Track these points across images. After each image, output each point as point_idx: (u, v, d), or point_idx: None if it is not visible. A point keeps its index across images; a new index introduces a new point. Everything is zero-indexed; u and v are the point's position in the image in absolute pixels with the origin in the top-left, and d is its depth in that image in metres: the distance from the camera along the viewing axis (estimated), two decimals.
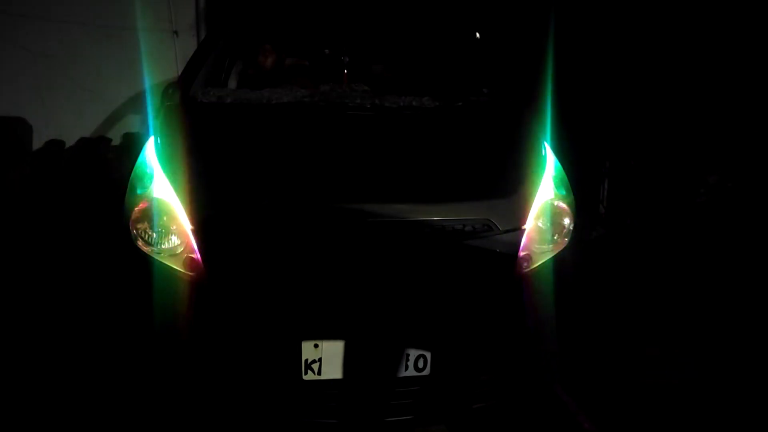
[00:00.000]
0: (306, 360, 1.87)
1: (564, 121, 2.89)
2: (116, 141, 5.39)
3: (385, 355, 1.91)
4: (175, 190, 1.99)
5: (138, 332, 1.98)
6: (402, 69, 3.33)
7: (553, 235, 2.09)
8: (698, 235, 3.64)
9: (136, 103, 5.23)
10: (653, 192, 4.02)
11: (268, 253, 1.89)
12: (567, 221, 2.13)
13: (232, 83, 3.59)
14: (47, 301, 3.21)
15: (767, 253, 3.25)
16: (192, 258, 1.89)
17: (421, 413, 1.99)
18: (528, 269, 2.02)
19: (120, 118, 5.38)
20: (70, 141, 5.31)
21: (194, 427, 2.03)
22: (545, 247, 2.07)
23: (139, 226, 1.96)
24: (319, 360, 1.87)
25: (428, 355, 1.91)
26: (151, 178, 2.08)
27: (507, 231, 1.99)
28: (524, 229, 2.02)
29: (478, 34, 3.40)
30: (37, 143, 5.22)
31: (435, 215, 1.96)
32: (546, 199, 2.12)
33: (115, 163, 4.98)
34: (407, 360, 1.90)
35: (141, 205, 2.00)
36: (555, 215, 2.11)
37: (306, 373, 1.87)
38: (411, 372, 1.91)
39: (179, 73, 3.07)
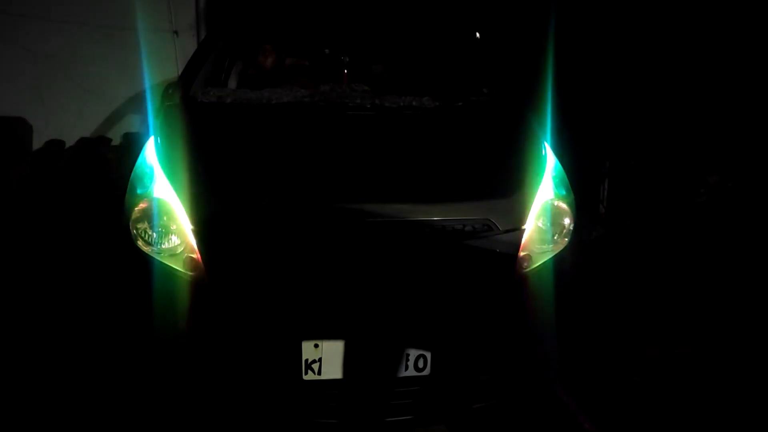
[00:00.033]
0: (306, 360, 1.87)
1: (564, 121, 2.89)
2: (116, 141, 5.39)
3: (385, 355, 1.91)
4: (175, 190, 1.99)
5: (138, 332, 1.98)
6: (402, 69, 3.33)
7: (553, 235, 2.09)
8: (698, 235, 3.64)
9: (136, 103, 5.24)
10: (653, 192, 4.02)
11: (268, 253, 1.89)
12: (567, 221, 2.13)
13: (232, 83, 3.59)
14: (47, 300, 3.21)
15: (767, 253, 3.26)
16: (192, 258, 1.89)
17: (421, 413, 1.99)
18: (528, 269, 2.02)
19: (120, 118, 5.38)
20: (70, 141, 5.31)
21: (194, 427, 2.03)
22: (545, 247, 2.07)
23: (139, 226, 1.97)
24: (319, 360, 1.87)
25: (428, 355, 1.91)
26: (151, 178, 2.08)
27: (507, 231, 1.99)
28: (524, 229, 2.02)
29: (478, 34, 3.40)
30: (37, 143, 5.22)
31: (435, 215, 1.96)
32: (546, 199, 2.12)
33: (115, 163, 4.98)
34: (407, 360, 1.90)
35: (141, 205, 2.00)
36: (555, 215, 2.11)
37: (306, 373, 1.87)
38: (411, 372, 1.91)
39: (179, 73, 3.07)
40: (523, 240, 2.01)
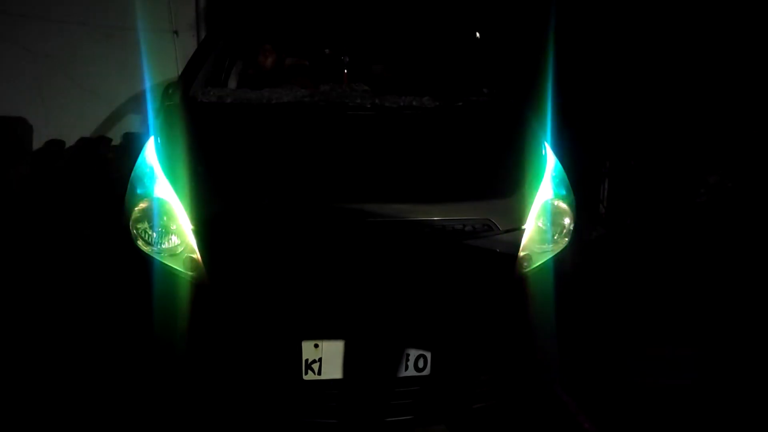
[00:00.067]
0: (306, 360, 1.87)
1: (564, 121, 2.89)
2: (116, 141, 5.39)
3: (385, 355, 1.91)
4: (175, 190, 1.99)
5: (138, 332, 1.98)
6: (402, 69, 3.33)
7: (553, 235, 2.09)
8: (698, 235, 3.64)
9: (136, 103, 5.24)
10: (653, 192, 4.02)
11: (269, 253, 1.89)
12: (567, 221, 2.13)
13: (232, 83, 3.60)
14: (47, 300, 3.21)
15: (767, 253, 3.25)
16: (192, 258, 1.89)
17: (421, 413, 1.99)
18: (528, 269, 2.02)
19: (120, 118, 5.38)
20: (70, 141, 5.31)
21: (195, 427, 2.03)
22: (545, 246, 2.07)
23: (139, 225, 1.97)
24: (320, 360, 1.87)
25: (428, 355, 1.91)
26: (151, 178, 2.08)
27: (507, 231, 1.99)
28: (524, 229, 2.02)
29: (478, 34, 3.40)
30: (37, 143, 5.23)
31: (435, 215, 1.96)
32: (546, 199, 2.12)
33: (115, 163, 4.98)
34: (407, 360, 1.90)
35: (141, 205, 2.00)
36: (555, 215, 2.11)
37: (306, 373, 1.87)
38: (411, 372, 1.91)
39: (179, 73, 3.07)
40: (523, 240, 2.01)
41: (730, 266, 3.33)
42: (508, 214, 2.02)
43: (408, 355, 1.90)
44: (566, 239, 2.12)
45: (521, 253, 2.00)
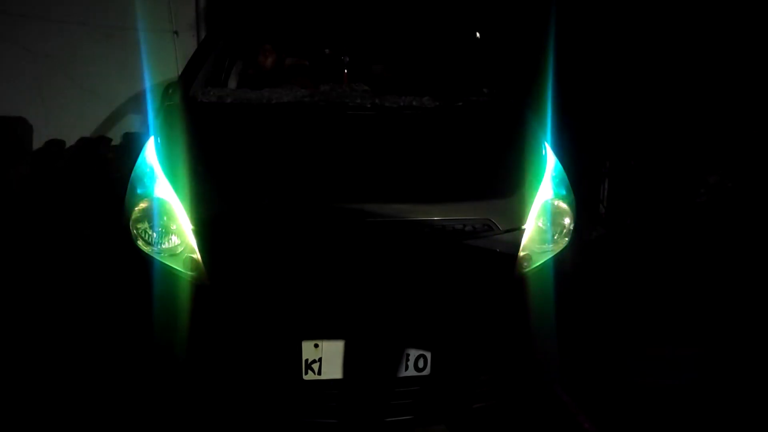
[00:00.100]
0: (306, 360, 1.87)
1: (564, 121, 2.89)
2: (116, 141, 5.40)
3: (385, 355, 1.91)
4: (175, 190, 1.99)
5: (138, 332, 1.98)
6: (402, 69, 3.33)
7: (553, 235, 2.09)
8: (698, 235, 3.64)
9: (136, 103, 5.24)
10: (653, 192, 4.02)
11: (269, 253, 1.89)
12: (567, 221, 2.13)
13: (232, 83, 3.59)
14: (47, 300, 3.21)
15: (767, 253, 3.25)
16: (192, 258, 1.89)
17: (421, 413, 1.99)
18: (528, 269, 2.02)
19: (120, 118, 5.38)
20: (70, 141, 5.31)
21: (195, 427, 2.03)
22: (545, 246, 2.07)
23: (139, 225, 1.97)
24: (320, 360, 1.87)
25: (428, 355, 1.91)
26: (151, 178, 2.08)
27: (507, 231, 2.00)
28: (524, 229, 2.02)
29: (478, 34, 3.40)
30: (37, 143, 5.23)
31: (435, 215, 1.96)
32: (546, 198, 2.12)
33: (115, 163, 4.98)
34: (407, 360, 1.90)
35: (141, 205, 2.00)
36: (555, 215, 2.11)
37: (306, 373, 1.88)
38: (411, 372, 1.91)
39: (179, 73, 3.07)
40: (524, 240, 2.01)
41: (730, 266, 3.33)
42: (508, 213, 2.02)
43: (408, 355, 1.90)
44: (566, 239, 2.12)
45: (521, 253, 2.00)
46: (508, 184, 2.13)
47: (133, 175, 2.16)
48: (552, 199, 2.13)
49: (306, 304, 1.89)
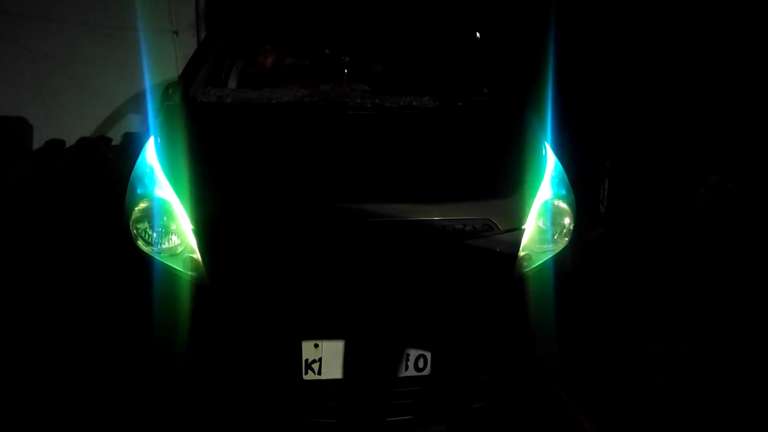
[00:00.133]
0: (306, 360, 1.87)
1: (564, 121, 2.89)
2: (116, 141, 5.40)
3: (385, 355, 1.91)
4: (175, 190, 1.99)
5: (138, 332, 1.98)
6: (402, 69, 3.33)
7: (553, 235, 2.09)
8: (698, 235, 3.64)
9: (136, 103, 5.24)
10: (653, 192, 4.02)
11: (269, 253, 1.89)
12: (567, 221, 2.13)
13: (232, 83, 3.60)
14: (47, 300, 3.21)
15: (767, 253, 3.25)
16: (192, 258, 1.89)
17: (421, 413, 1.99)
18: (528, 269, 2.02)
19: (120, 118, 5.38)
20: (70, 141, 5.31)
21: (195, 427, 2.03)
22: (545, 246, 2.07)
23: (139, 225, 1.97)
24: (320, 360, 1.87)
25: (428, 355, 1.91)
26: (151, 178, 2.08)
27: (507, 231, 1.99)
28: (524, 229, 2.02)
29: (478, 34, 3.40)
30: (37, 143, 5.23)
31: (435, 215, 1.96)
32: (546, 198, 2.12)
33: (115, 163, 4.98)
34: (407, 360, 1.90)
35: (141, 205, 2.00)
36: (555, 215, 2.11)
37: (306, 373, 1.87)
38: (411, 372, 1.91)
39: (179, 73, 3.07)
40: (524, 240, 2.01)
41: (730, 266, 3.33)
42: (508, 213, 2.02)
43: (408, 355, 1.90)
44: (566, 239, 2.12)
45: (521, 253, 2.00)
46: (508, 184, 2.13)
47: (133, 175, 2.16)
48: (552, 199, 2.13)
49: (306, 304, 1.89)
